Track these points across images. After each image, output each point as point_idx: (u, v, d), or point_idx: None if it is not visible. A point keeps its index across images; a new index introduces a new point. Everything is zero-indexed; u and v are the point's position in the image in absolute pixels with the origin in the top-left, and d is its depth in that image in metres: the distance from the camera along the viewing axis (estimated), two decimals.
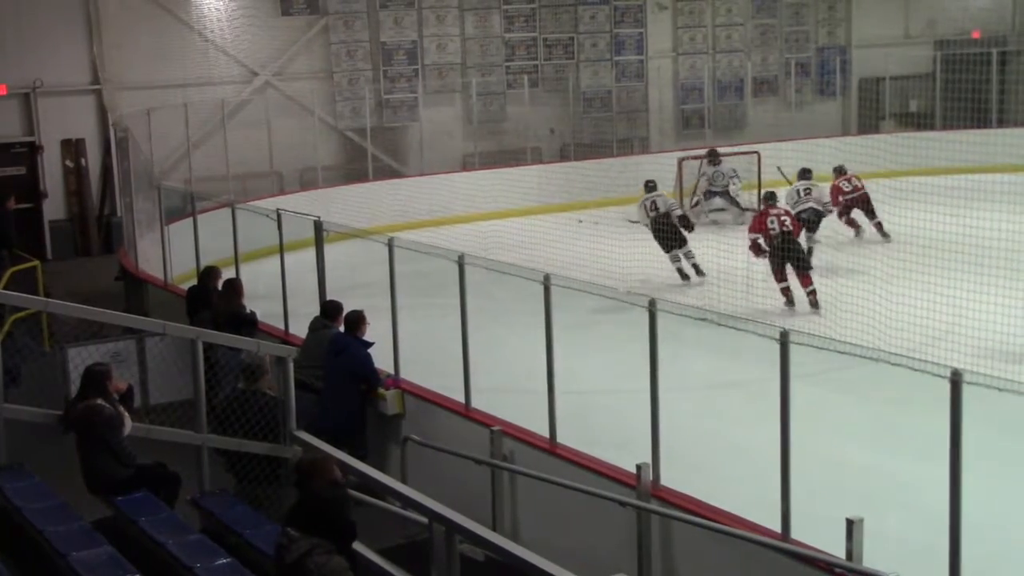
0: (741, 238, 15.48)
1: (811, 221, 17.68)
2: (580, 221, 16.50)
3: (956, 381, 6.06)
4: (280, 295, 13.22)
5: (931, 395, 6.40)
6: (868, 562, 6.59)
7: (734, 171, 21.27)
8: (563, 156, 25.51)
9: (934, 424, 6.40)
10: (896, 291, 12.64)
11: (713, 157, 21.47)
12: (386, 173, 23.73)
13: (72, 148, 22.15)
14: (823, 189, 18.08)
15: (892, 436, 9.90)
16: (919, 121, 27.09)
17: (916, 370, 6.47)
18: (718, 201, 21.12)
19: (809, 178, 18.14)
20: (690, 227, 16.98)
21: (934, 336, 11.64)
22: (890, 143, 22.60)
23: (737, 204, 21.22)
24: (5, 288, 11.96)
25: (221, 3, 23.34)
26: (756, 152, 22.35)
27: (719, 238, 16.19)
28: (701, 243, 16.67)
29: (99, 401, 8.15)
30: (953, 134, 23.36)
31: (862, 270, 13.70)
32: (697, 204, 21.40)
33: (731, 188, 21.14)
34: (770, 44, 28.72)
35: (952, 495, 6.19)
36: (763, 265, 14.70)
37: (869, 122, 28.02)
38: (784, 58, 28.64)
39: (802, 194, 17.73)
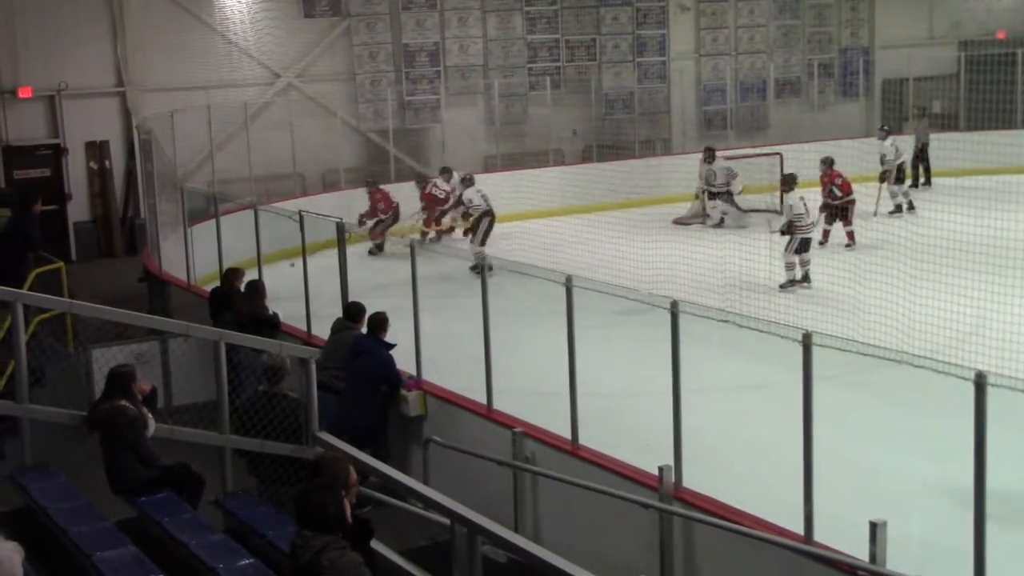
0: (765, 241, 15.44)
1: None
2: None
3: (980, 383, 6.03)
4: (302, 296, 13.25)
5: (955, 397, 6.36)
6: (891, 565, 6.57)
7: (728, 169, 21.25)
8: (585, 158, 25.49)
9: (958, 426, 6.37)
10: (920, 292, 12.60)
11: (708, 155, 21.48)
12: (408, 175, 23.68)
13: (96, 150, 22.27)
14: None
15: (915, 438, 9.85)
16: (943, 122, 26.96)
17: (940, 372, 6.44)
18: (719, 204, 21.13)
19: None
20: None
21: (958, 338, 11.59)
22: (913, 144, 22.55)
23: (736, 205, 21.21)
24: (30, 289, 12.00)
25: (244, 5, 23.42)
26: (779, 154, 22.29)
27: (741, 240, 16.17)
28: (720, 246, 16.61)
29: (123, 402, 8.19)
30: (977, 135, 23.24)
31: (885, 271, 13.63)
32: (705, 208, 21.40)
33: (732, 186, 21.11)
34: (793, 45, 28.63)
35: (977, 497, 6.16)
36: (781, 266, 14.67)
37: (893, 123, 27.89)
38: (807, 59, 28.55)
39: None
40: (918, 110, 25.09)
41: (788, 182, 16.53)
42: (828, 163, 18.40)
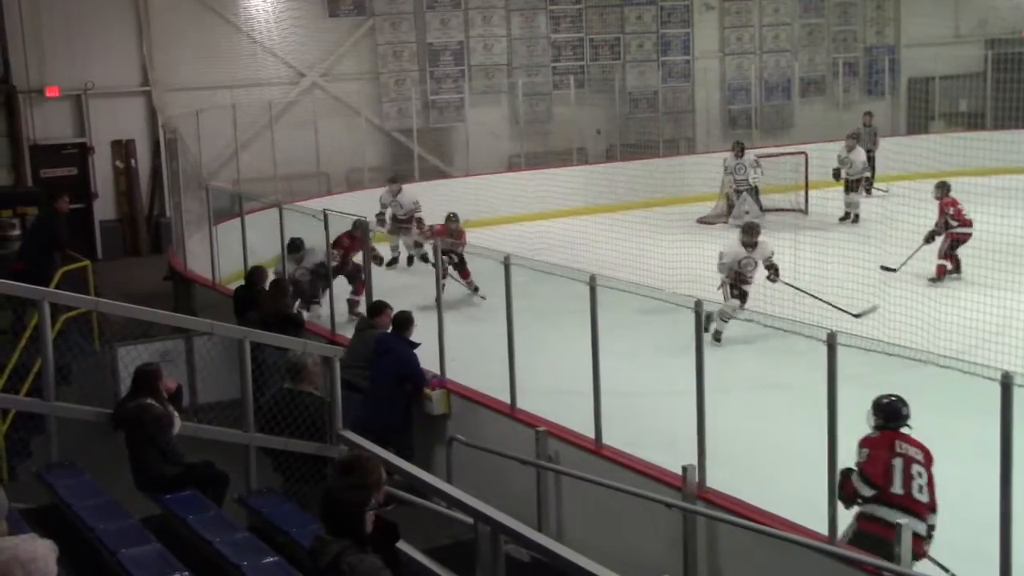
0: (790, 240, 15.38)
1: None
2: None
3: (1007, 384, 6.00)
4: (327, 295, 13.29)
5: (981, 398, 6.33)
6: (916, 566, 6.53)
7: (756, 160, 21.23)
8: (609, 157, 25.47)
9: (984, 427, 6.33)
10: (945, 292, 12.55)
11: (738, 149, 21.40)
12: (432, 174, 23.78)
13: (122, 149, 22.38)
14: None
15: (941, 439, 9.79)
16: (969, 121, 26.80)
17: (966, 372, 6.41)
18: (747, 201, 21.11)
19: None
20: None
21: (984, 338, 11.53)
22: (940, 143, 22.40)
23: (759, 203, 21.16)
24: (56, 287, 12.08)
25: (269, 5, 23.50)
26: (804, 153, 22.23)
27: (764, 239, 16.11)
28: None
29: (149, 400, 8.23)
30: (1004, 134, 23.12)
31: (911, 271, 13.58)
32: (732, 206, 21.33)
33: (750, 177, 21.05)
34: (817, 44, 28.53)
35: (1003, 498, 6.13)
36: (811, 266, 14.59)
37: (918, 122, 27.76)
38: (832, 58, 28.44)
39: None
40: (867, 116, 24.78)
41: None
42: (945, 188, 16.40)
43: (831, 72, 28.38)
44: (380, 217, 18.77)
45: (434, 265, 14.27)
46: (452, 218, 16.51)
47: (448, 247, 15.08)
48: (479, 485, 8.74)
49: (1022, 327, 11.47)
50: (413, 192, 19.49)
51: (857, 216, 20.92)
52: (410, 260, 18.54)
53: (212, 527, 7.46)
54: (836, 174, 21.48)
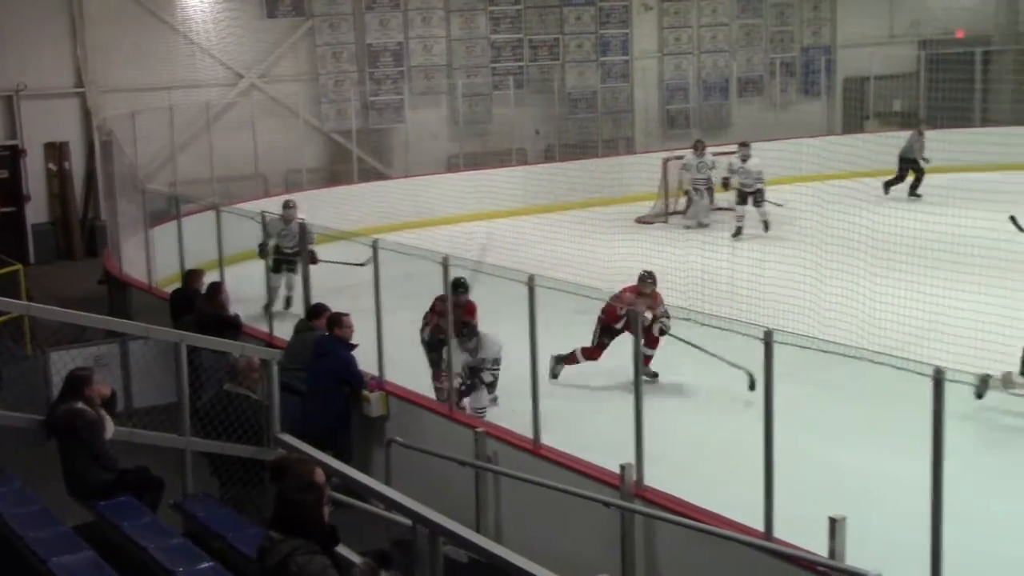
0: (727, 240, 15.48)
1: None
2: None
3: (938, 379, 6.08)
4: (264, 298, 13.19)
5: (913, 393, 6.41)
6: (851, 561, 6.60)
7: (714, 160, 21.24)
8: (548, 157, 25.50)
9: (916, 422, 6.41)
10: (878, 289, 12.70)
11: (699, 148, 21.30)
12: (371, 175, 23.70)
13: (56, 151, 22.07)
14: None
15: (875, 434, 9.91)
16: (903, 120, 27.15)
17: (898, 368, 6.48)
18: (705, 198, 21.14)
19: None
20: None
21: (916, 335, 11.69)
22: (874, 143, 22.67)
23: (711, 199, 21.24)
24: None
25: (206, 5, 23.30)
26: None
27: (704, 239, 16.24)
28: (683, 245, 16.67)
29: (80, 405, 8.12)
30: (937, 133, 23.45)
31: (845, 269, 13.72)
32: (690, 205, 21.41)
33: (712, 176, 21.07)
34: (755, 44, 28.77)
35: (934, 493, 6.20)
36: (748, 264, 14.71)
37: (853, 122, 28.08)
38: (769, 58, 28.70)
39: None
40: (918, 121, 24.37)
41: None
42: None
43: (768, 72, 28.63)
44: (262, 248, 14.72)
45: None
46: (647, 278, 12.17)
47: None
48: (418, 487, 8.72)
49: (952, 323, 11.63)
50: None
51: (740, 230, 19.66)
52: (288, 302, 15.17)
53: (147, 533, 7.39)
54: (725, 183, 20.57)
